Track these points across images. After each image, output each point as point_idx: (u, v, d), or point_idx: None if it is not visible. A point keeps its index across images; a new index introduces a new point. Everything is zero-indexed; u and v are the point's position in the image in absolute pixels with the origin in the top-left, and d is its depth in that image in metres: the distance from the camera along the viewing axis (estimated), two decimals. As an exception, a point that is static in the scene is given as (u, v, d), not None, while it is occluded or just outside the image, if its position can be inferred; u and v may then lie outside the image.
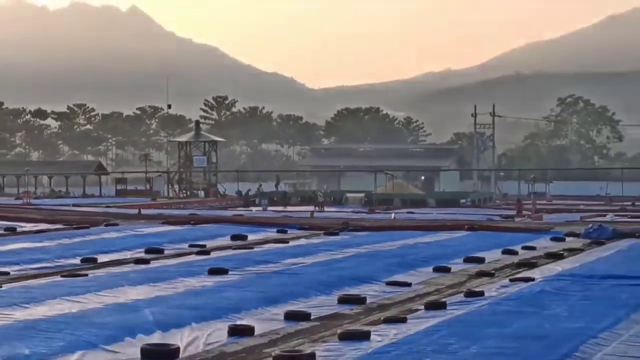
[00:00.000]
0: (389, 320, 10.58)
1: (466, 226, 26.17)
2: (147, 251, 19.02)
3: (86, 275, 14.87)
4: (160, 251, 19.22)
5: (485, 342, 8.96)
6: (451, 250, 19.45)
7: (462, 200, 48.96)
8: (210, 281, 14.19)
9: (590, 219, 29.11)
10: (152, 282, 13.86)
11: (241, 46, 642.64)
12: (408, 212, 36.36)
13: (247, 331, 10.02)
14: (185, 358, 8.77)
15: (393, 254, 18.75)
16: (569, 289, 13.10)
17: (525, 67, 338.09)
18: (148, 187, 61.06)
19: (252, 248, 20.32)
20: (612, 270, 15.52)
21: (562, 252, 19.55)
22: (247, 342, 9.63)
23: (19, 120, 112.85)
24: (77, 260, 17.33)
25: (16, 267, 16.08)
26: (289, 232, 24.76)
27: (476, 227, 26.06)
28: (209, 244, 20.83)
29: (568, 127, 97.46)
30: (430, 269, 16.43)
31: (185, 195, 54.66)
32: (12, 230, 24.85)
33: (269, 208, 40.93)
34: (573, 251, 19.92)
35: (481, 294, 12.88)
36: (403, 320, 10.63)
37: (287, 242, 21.78)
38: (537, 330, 9.67)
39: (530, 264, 17.13)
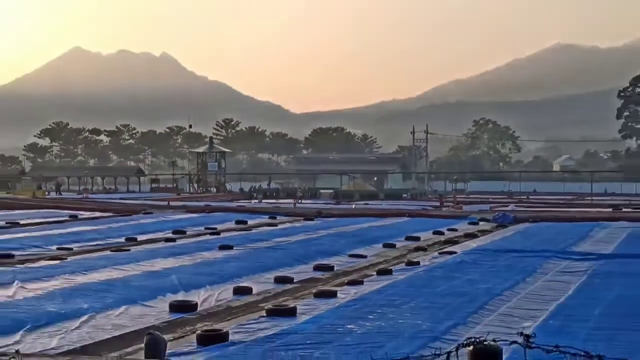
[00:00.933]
0: (350, 283, 10.65)
1: (407, 214, 26.30)
2: (173, 232, 18.95)
3: (129, 250, 14.84)
4: (183, 232, 19.17)
5: (421, 299, 9.04)
6: (396, 231, 19.55)
7: (404, 195, 48.94)
8: (220, 254, 14.24)
9: (497, 209, 29.39)
10: (177, 255, 13.86)
11: (243, 82, 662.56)
12: (365, 204, 36.33)
13: (247, 291, 10.10)
14: (202, 310, 8.78)
15: (353, 234, 18.83)
16: (482, 260, 13.23)
17: (451, 97, 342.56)
18: (175, 185, 60.96)
19: (250, 230, 20.32)
20: (512, 246, 15.71)
21: (476, 233, 19.75)
22: (247, 299, 9.72)
23: (79, 137, 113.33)
24: (122, 239, 17.28)
25: (77, 244, 16.05)
26: (277, 218, 24.72)
27: (414, 215, 26.21)
28: (219, 227, 20.75)
29: (481, 142, 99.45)
30: (380, 245, 16.53)
31: (201, 191, 54.32)
32: (74, 217, 24.60)
33: (263, 201, 40.71)
34: (484, 232, 20.15)
35: (417, 263, 12.99)
36: (361, 282, 10.69)
37: (276, 226, 21.86)
38: (459, 289, 9.79)
39: (453, 242, 17.24)
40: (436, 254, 14.88)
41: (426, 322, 7.53)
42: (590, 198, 42.04)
